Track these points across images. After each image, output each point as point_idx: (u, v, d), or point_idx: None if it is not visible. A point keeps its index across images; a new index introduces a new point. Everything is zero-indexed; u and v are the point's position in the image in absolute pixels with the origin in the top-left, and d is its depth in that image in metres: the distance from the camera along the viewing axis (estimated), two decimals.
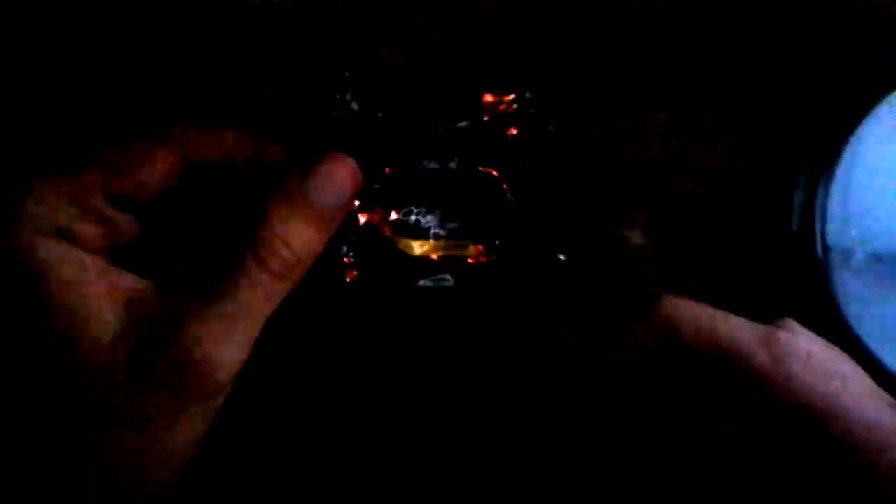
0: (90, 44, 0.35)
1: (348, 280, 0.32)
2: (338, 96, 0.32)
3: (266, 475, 0.35)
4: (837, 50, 0.35)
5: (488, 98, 0.33)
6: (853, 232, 0.34)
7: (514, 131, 0.33)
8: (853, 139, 0.34)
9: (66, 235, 0.26)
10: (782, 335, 0.27)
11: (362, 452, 0.35)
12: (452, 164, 0.33)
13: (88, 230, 0.27)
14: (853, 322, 0.33)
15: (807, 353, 0.26)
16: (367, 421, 0.35)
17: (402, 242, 0.32)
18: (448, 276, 0.33)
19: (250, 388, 0.28)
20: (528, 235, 0.33)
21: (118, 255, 0.28)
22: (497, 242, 0.33)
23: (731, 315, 0.28)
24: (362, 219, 0.32)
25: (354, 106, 0.32)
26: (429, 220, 0.33)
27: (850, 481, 0.25)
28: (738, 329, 0.27)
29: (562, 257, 0.34)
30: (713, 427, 0.28)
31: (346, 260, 0.32)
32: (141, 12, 0.35)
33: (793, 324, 0.29)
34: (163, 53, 0.35)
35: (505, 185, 0.33)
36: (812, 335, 0.28)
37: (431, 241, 0.33)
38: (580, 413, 0.35)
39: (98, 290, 0.25)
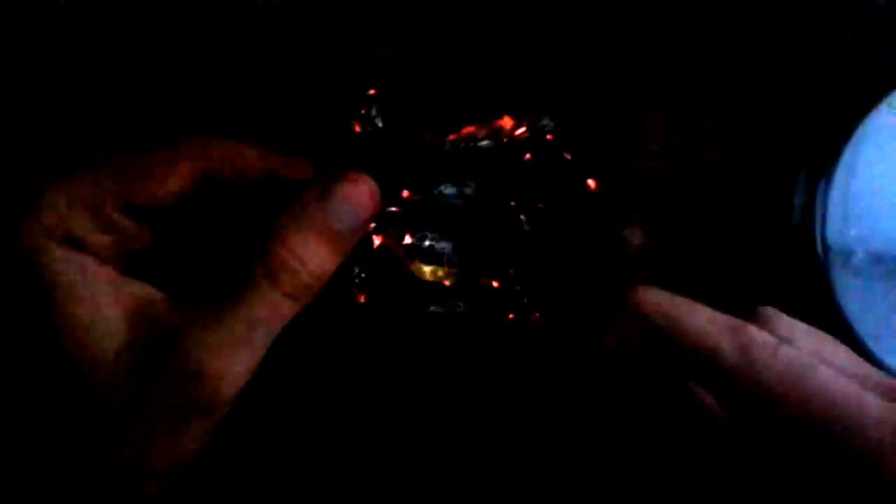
0: (92, 44, 0.35)
1: (359, 301, 0.32)
2: (363, 111, 0.32)
3: (270, 483, 0.35)
4: (837, 50, 0.35)
5: (507, 121, 0.33)
6: (853, 232, 0.34)
7: (529, 156, 0.33)
8: (853, 139, 0.34)
9: (76, 242, 0.26)
10: (749, 327, 0.26)
11: (368, 466, 0.35)
12: (469, 190, 0.32)
13: (99, 238, 0.27)
14: (853, 322, 0.33)
15: (775, 342, 0.26)
16: (373, 435, 0.35)
17: (415, 266, 0.32)
18: (460, 303, 0.33)
19: (259, 402, 0.28)
20: (541, 266, 0.33)
21: (129, 264, 0.28)
22: (511, 272, 0.33)
23: (699, 305, 0.27)
24: (377, 241, 0.32)
25: (379, 122, 0.32)
26: (443, 246, 0.33)
27: (829, 468, 0.24)
28: (702, 319, 0.27)
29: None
30: (700, 417, 0.27)
31: (357, 281, 0.32)
32: (142, 13, 0.35)
33: (770, 311, 0.28)
34: (163, 53, 0.35)
35: (521, 215, 0.33)
36: (791, 321, 0.28)
37: (445, 268, 0.33)
38: (581, 414, 0.35)
39: (106, 298, 0.25)
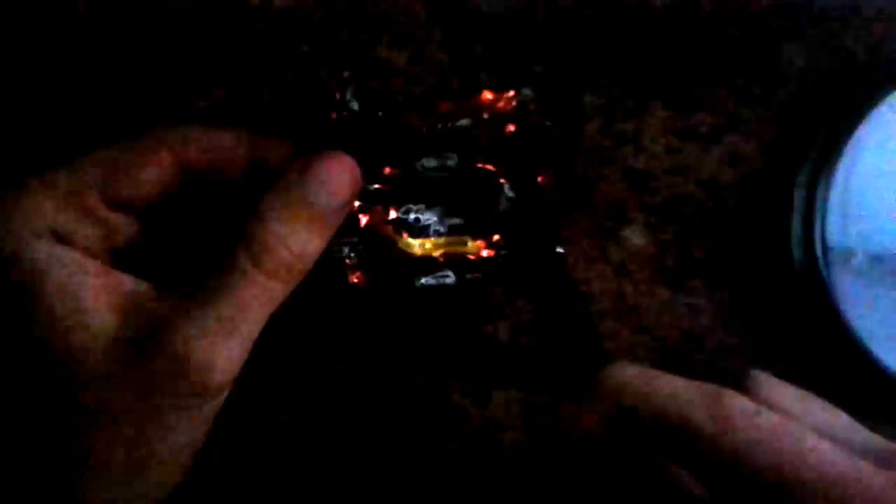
0: (88, 43, 0.35)
1: (351, 282, 0.32)
2: (338, 96, 0.32)
3: (263, 474, 0.35)
4: (837, 50, 0.35)
5: (487, 95, 0.33)
6: (853, 232, 0.34)
7: (513, 128, 0.33)
8: (853, 139, 0.34)
9: (61, 237, 0.26)
10: (725, 392, 0.24)
11: (358, 452, 0.35)
12: (451, 162, 0.32)
13: (85, 232, 0.27)
14: (853, 322, 0.33)
15: (754, 408, 0.24)
16: (363, 419, 0.35)
17: (403, 242, 0.32)
18: (449, 273, 0.33)
19: (252, 390, 0.28)
20: (527, 230, 0.33)
21: (116, 256, 0.28)
22: (497, 237, 0.33)
23: (673, 375, 0.26)
24: (363, 220, 0.32)
25: (354, 106, 0.32)
26: (428, 218, 0.33)
27: None
28: (676, 389, 0.25)
29: (560, 251, 0.33)
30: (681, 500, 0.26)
31: (348, 262, 0.32)
32: (140, 12, 0.35)
33: (761, 375, 0.27)
34: (162, 53, 0.35)
35: (503, 180, 0.33)
36: (782, 384, 0.26)
37: (432, 239, 0.33)
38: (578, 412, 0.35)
39: (94, 291, 0.25)
